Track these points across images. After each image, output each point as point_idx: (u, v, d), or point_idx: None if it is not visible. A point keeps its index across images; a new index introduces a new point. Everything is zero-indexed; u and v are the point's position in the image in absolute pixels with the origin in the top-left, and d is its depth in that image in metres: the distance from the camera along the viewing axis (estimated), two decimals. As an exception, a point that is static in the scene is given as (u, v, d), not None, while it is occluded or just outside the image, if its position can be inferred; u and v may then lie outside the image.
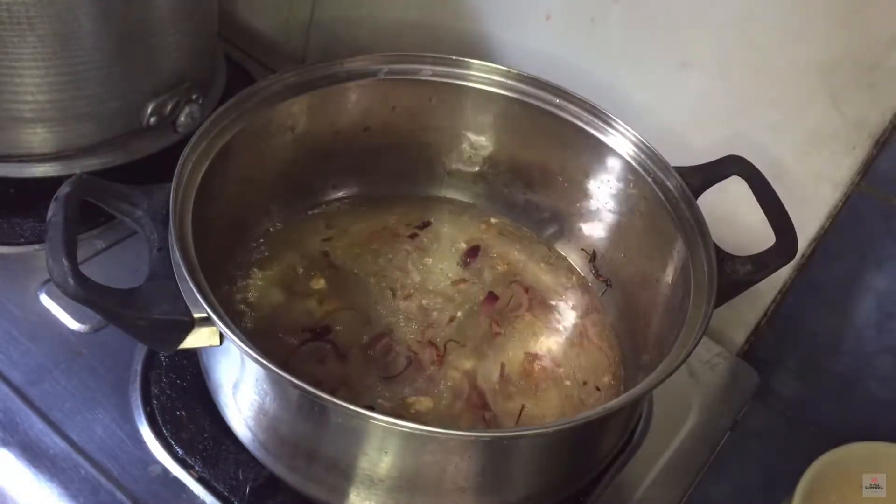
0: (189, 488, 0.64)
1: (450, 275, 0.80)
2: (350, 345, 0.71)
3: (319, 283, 0.75)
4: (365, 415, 0.51)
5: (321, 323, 0.72)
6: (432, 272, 0.80)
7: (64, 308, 0.71)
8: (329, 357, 0.70)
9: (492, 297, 0.78)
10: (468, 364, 0.72)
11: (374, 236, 0.82)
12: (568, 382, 0.73)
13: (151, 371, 0.70)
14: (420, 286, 0.78)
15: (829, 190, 0.78)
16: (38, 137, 0.75)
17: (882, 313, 0.81)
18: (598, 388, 0.73)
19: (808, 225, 0.80)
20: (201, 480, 0.64)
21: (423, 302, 0.76)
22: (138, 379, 0.69)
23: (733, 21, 0.77)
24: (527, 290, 0.80)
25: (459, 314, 0.76)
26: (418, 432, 0.54)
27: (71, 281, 0.51)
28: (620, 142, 0.74)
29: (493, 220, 0.86)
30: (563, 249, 0.84)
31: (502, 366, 0.73)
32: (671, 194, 0.71)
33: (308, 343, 0.71)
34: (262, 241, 0.78)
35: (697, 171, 0.72)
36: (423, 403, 0.68)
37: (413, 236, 0.82)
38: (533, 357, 0.74)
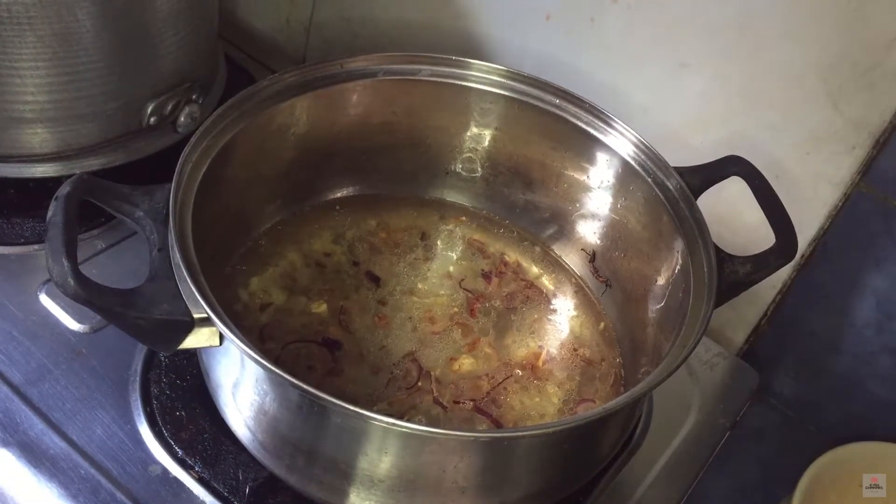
0: (189, 488, 0.64)
1: (450, 280, 0.80)
2: (348, 362, 0.70)
3: (321, 308, 0.74)
4: (365, 415, 0.51)
5: (331, 334, 0.72)
6: (433, 275, 0.80)
7: (64, 308, 0.71)
8: (319, 364, 0.70)
9: (480, 296, 0.79)
10: (466, 367, 0.72)
11: (375, 238, 0.82)
12: (568, 382, 0.73)
13: (151, 371, 0.70)
14: (420, 291, 0.78)
15: (829, 190, 0.78)
16: (38, 137, 0.74)
17: (882, 313, 0.81)
18: (597, 388, 0.73)
19: (807, 225, 0.80)
20: (201, 480, 0.64)
21: (423, 308, 0.76)
22: (138, 379, 0.69)
23: (733, 21, 0.77)
24: (528, 288, 0.80)
25: (457, 315, 0.77)
26: (418, 432, 0.54)
27: (71, 281, 0.51)
28: (620, 142, 0.74)
29: (492, 220, 0.86)
30: (563, 250, 0.84)
31: (501, 367, 0.73)
32: (671, 194, 0.71)
33: (299, 343, 0.71)
34: (262, 241, 0.78)
35: (697, 171, 0.72)
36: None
37: (414, 240, 0.83)
38: (532, 357, 0.74)
